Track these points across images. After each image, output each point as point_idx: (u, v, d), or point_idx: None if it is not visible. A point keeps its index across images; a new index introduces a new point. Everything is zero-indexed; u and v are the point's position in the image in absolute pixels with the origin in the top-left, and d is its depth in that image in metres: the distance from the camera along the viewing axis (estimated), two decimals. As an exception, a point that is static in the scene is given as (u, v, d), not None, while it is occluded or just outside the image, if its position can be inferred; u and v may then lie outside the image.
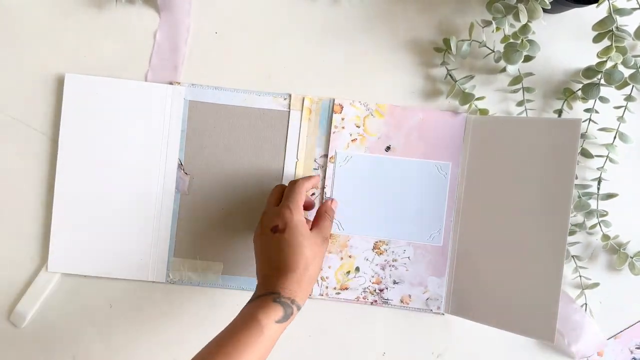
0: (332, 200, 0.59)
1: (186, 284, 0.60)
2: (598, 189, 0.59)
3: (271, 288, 0.49)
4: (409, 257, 0.60)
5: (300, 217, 0.52)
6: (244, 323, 0.47)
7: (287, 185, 0.56)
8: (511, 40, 0.55)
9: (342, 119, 0.60)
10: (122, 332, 0.60)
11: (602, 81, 0.56)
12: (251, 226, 0.60)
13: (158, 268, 0.60)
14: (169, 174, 0.59)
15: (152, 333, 0.60)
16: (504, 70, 0.60)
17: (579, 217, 0.60)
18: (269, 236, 0.52)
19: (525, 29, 0.53)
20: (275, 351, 0.60)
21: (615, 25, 0.52)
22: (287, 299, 0.48)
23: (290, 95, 0.60)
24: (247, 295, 0.61)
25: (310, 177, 0.57)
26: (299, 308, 0.49)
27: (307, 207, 0.58)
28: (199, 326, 0.60)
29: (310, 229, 0.53)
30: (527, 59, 0.56)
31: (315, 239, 0.52)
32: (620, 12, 0.51)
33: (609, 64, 0.55)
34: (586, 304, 0.60)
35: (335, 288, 0.60)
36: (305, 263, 0.50)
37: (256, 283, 0.52)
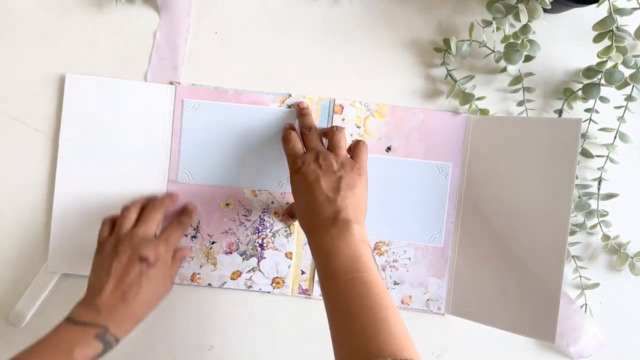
0: (195, 206, 0.58)
1: (185, 284, 0.60)
2: (598, 189, 0.59)
3: (101, 319, 0.47)
4: (409, 258, 0.60)
5: (168, 255, 0.53)
6: (57, 353, 0.44)
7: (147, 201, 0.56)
8: (511, 40, 0.55)
9: (343, 119, 0.60)
10: (122, 332, 0.60)
11: (603, 81, 0.56)
12: (251, 226, 0.60)
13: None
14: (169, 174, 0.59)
15: (152, 333, 0.60)
16: (504, 70, 0.60)
17: (579, 217, 0.60)
18: (133, 262, 0.50)
19: (525, 29, 0.53)
20: (275, 351, 0.61)
21: (615, 25, 0.52)
22: (112, 337, 0.47)
23: (290, 95, 0.60)
24: (249, 295, 0.61)
25: (164, 199, 0.56)
26: (118, 342, 0.48)
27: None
28: (199, 326, 0.60)
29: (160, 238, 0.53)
30: (528, 59, 0.56)
31: (171, 276, 0.53)
32: (621, 12, 0.51)
33: (609, 64, 0.55)
34: (586, 304, 0.60)
35: (335, 288, 0.60)
36: (153, 300, 0.51)
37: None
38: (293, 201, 0.59)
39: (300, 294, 0.60)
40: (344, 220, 0.46)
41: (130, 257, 0.50)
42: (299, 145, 0.54)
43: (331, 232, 0.46)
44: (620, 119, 0.58)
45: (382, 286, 0.43)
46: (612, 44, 0.53)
